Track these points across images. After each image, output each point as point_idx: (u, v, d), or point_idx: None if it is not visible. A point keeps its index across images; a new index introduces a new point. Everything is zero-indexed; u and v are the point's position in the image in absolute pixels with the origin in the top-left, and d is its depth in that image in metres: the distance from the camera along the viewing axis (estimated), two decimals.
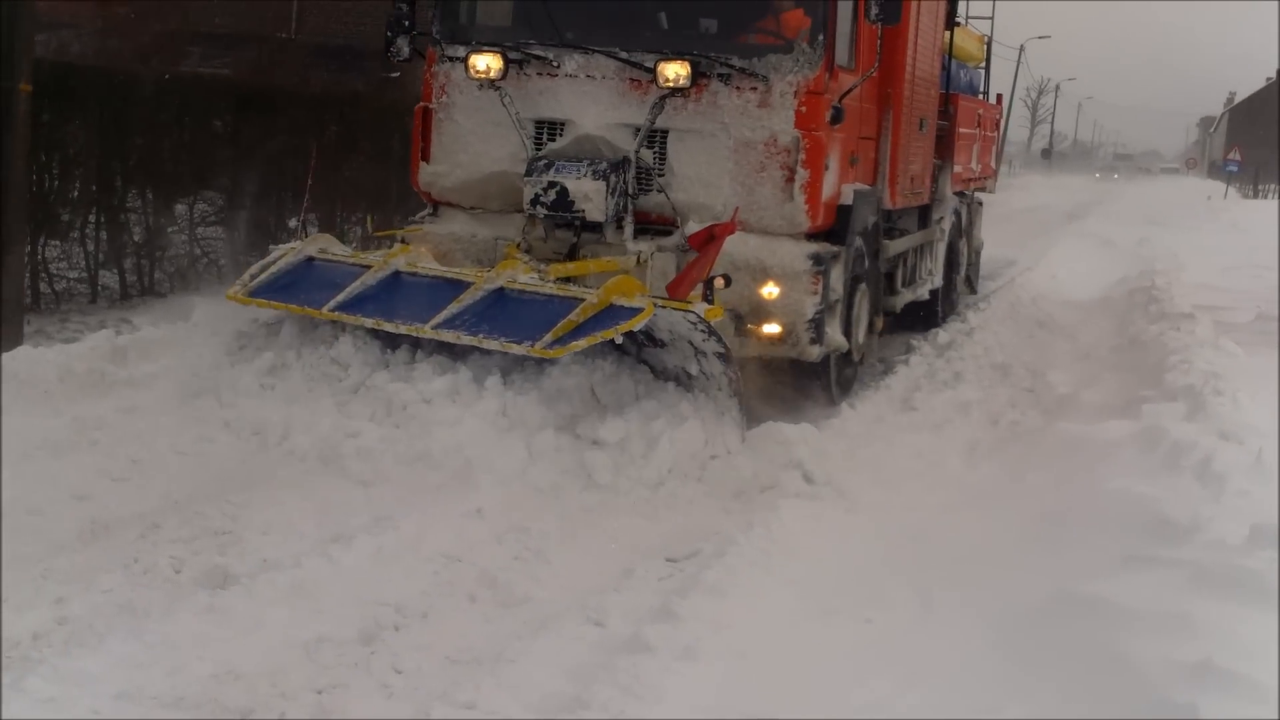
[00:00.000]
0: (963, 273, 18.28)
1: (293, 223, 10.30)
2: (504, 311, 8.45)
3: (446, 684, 5.21)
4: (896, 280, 13.82)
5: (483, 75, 10.18)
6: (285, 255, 9.73)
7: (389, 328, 8.61)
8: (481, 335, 8.19)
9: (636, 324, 7.96)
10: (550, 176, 9.95)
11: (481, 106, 10.52)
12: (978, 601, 5.89)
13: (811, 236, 10.62)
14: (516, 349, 8.00)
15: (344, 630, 5.61)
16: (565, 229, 10.20)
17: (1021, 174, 79.81)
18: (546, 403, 8.19)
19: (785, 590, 6.35)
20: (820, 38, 10.20)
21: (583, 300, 8.19)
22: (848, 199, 11.04)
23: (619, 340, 8.01)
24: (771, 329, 10.15)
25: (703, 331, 8.16)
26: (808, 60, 10.15)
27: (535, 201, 9.99)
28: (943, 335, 14.17)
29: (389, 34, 10.57)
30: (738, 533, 7.00)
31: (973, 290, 19.62)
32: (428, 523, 6.93)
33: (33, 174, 11.08)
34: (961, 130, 16.15)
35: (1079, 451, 8.05)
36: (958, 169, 16.20)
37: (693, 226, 10.17)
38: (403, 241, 10.29)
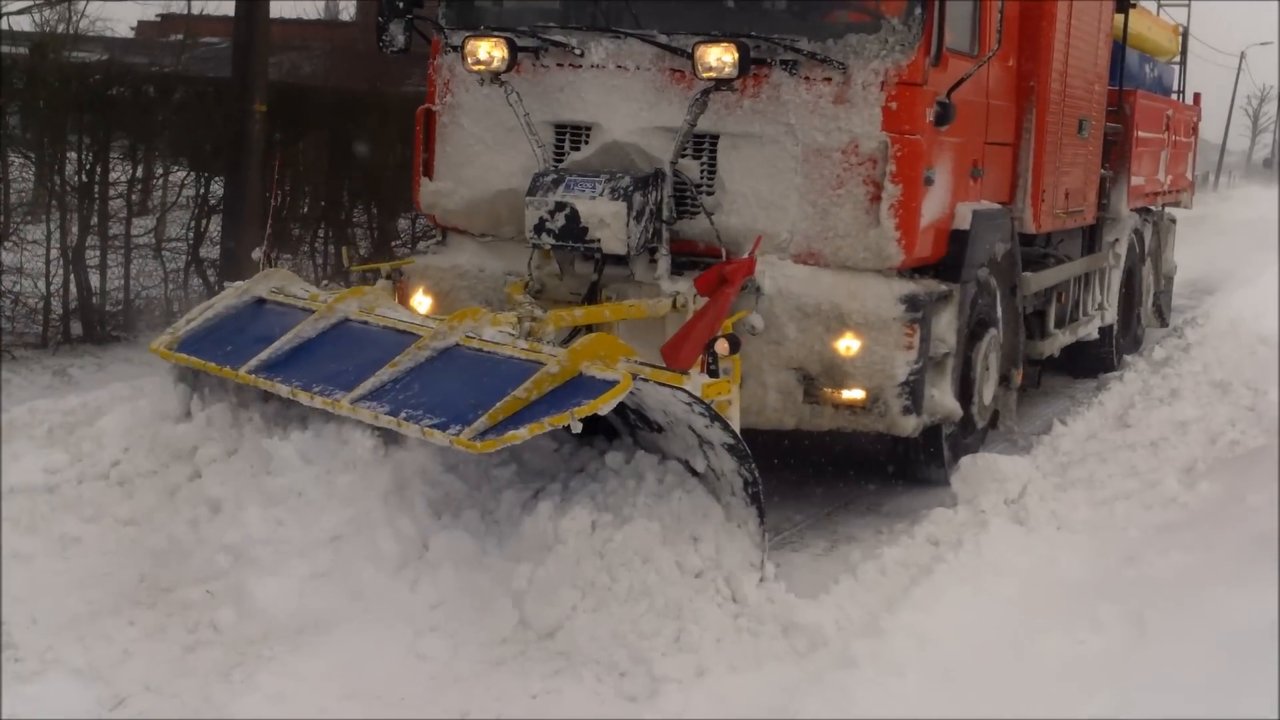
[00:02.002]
0: (1148, 304, 15.36)
1: (255, 254, 8.14)
2: (448, 379, 6.19)
3: None
4: (1048, 319, 11.12)
5: (484, 67, 7.92)
6: (228, 296, 7.63)
7: (304, 399, 6.41)
8: (403, 415, 5.92)
9: (604, 405, 5.59)
10: (558, 196, 7.65)
11: (492, 108, 8.28)
12: (1194, 626, 5.68)
13: (912, 272, 8.11)
14: (438, 437, 5.70)
15: None
16: (587, 262, 7.88)
17: (1241, 185, 76.15)
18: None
19: (994, 608, 6.21)
20: (918, 10, 7.67)
21: (542, 366, 5.85)
22: (964, 222, 8.48)
23: (576, 427, 5.62)
24: (851, 394, 7.70)
25: (703, 415, 5.75)
26: (900, 40, 7.65)
27: (540, 228, 7.70)
28: (1159, 352, 13.84)
29: (380, 18, 8.38)
30: (947, 550, 6.93)
31: (1164, 322, 16.69)
32: None
33: (266, 190, 11.52)
34: (1141, 134, 13.30)
35: None
36: (1136, 181, 13.36)
37: None
38: (388, 277, 8.08)
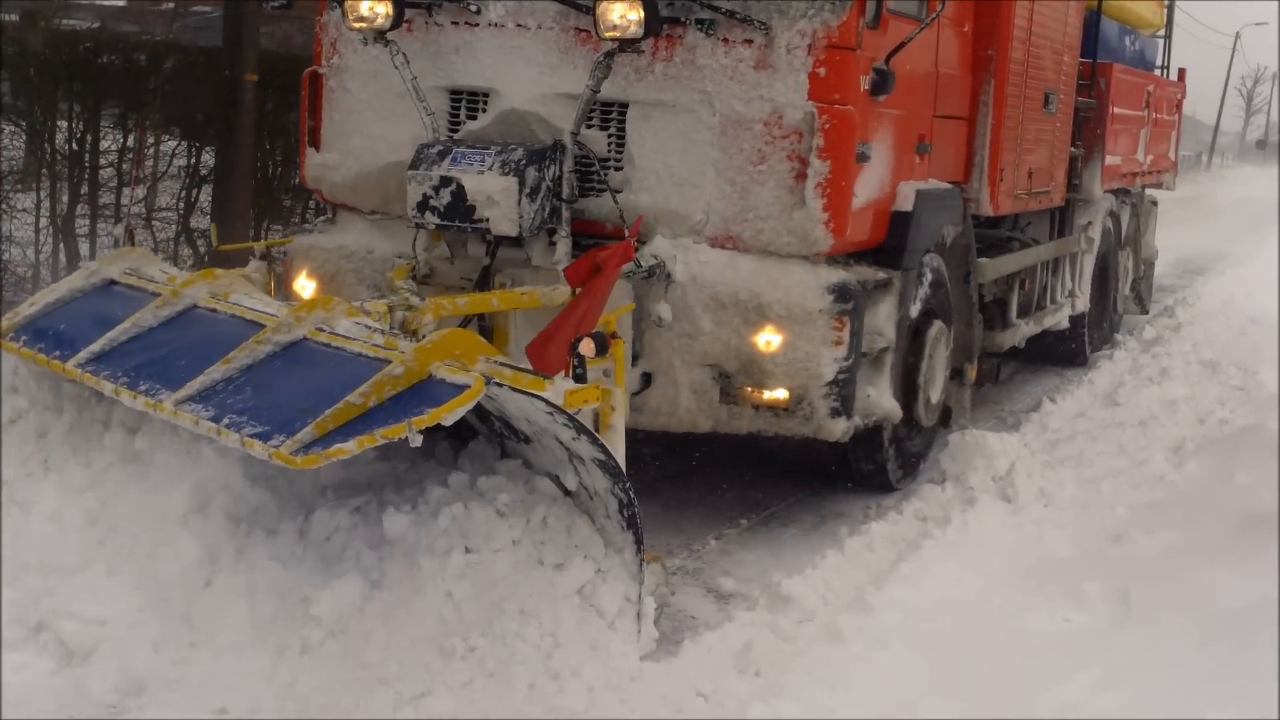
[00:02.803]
0: (1125, 289, 14.53)
1: (117, 229, 7.33)
2: (286, 378, 5.33)
3: None
4: (1010, 308, 10.27)
5: (366, 25, 7.06)
6: (76, 278, 6.78)
7: (126, 399, 5.57)
8: (226, 421, 5.07)
9: (448, 414, 4.75)
10: (443, 170, 6.81)
11: (381, 71, 7.43)
12: (1180, 604, 5.66)
13: (847, 258, 7.29)
14: (258, 449, 4.85)
15: None
16: (479, 244, 7.05)
17: (1235, 165, 77.20)
18: None
19: (980, 584, 6.19)
20: None
21: (387, 365, 5.01)
22: (907, 203, 7.64)
23: (415, 440, 4.77)
24: (773, 395, 6.88)
25: (568, 427, 4.92)
26: None
27: (423, 206, 6.86)
28: (1149, 331, 13.83)
29: None
30: (934, 526, 6.96)
31: (1144, 309, 15.86)
32: None
33: (257, 160, 11.64)
34: (1117, 111, 12.45)
35: None
36: (1112, 160, 12.53)
37: (660, 243, 6.93)
38: (261, 257, 7.23)
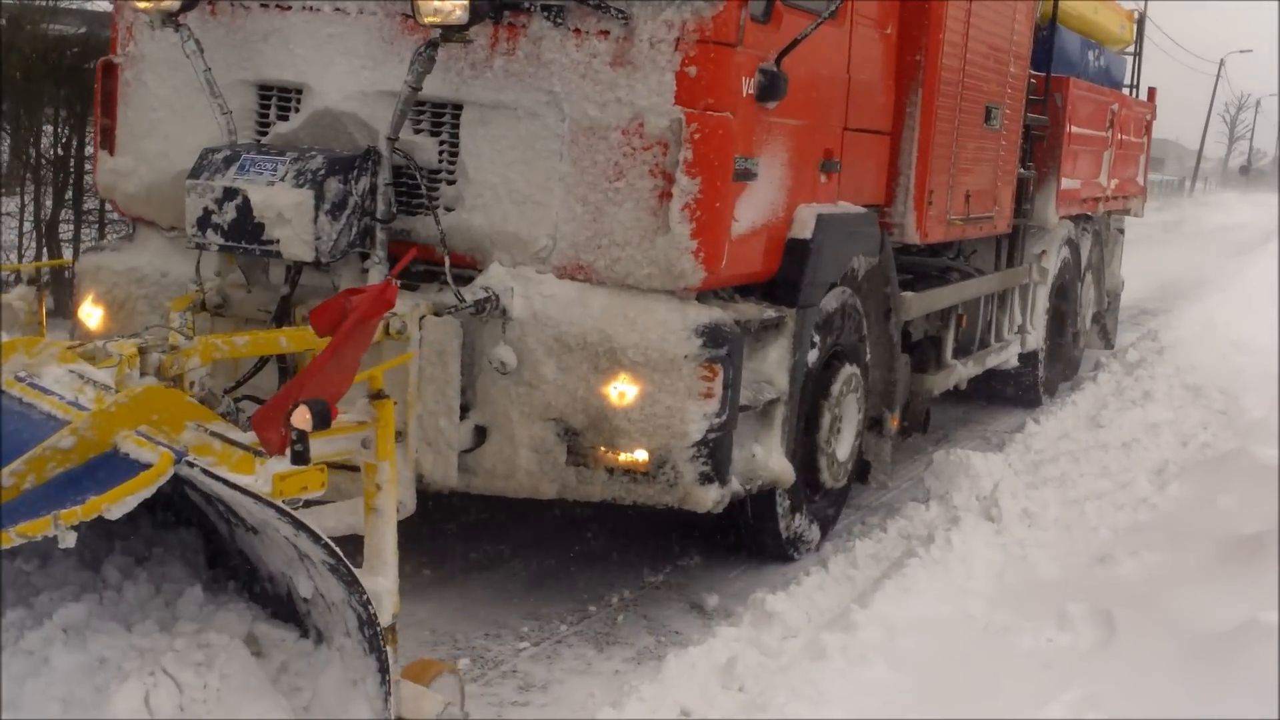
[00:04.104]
0: (1086, 325, 13.38)
1: None
2: None
3: None
4: (945, 347, 9.10)
5: (151, 6, 5.87)
6: None
7: None
8: None
9: (115, 504, 3.52)
10: (227, 180, 5.64)
11: (182, 62, 6.21)
12: (1163, 627, 5.60)
13: (732, 291, 6.17)
14: None
15: None
16: (281, 268, 5.87)
17: (1218, 191, 76.89)
18: None
19: (964, 604, 6.14)
20: None
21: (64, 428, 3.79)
22: (805, 229, 6.48)
23: (65, 540, 3.54)
24: (629, 456, 5.68)
25: (287, 521, 3.70)
26: None
27: (204, 222, 5.68)
28: (1132, 354, 13.74)
29: None
30: (919, 545, 6.95)
31: (1108, 344, 14.74)
32: None
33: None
34: (1075, 130, 11.32)
35: (1273, 476, 7.61)
36: (1069, 184, 11.40)
37: (495, 273, 5.75)
38: (30, 282, 6.00)
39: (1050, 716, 4.93)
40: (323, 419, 3.58)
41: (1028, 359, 11.28)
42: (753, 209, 6.09)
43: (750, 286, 6.44)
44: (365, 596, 3.77)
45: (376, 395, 4.21)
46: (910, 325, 8.46)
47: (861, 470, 7.91)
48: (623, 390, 5.63)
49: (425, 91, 5.77)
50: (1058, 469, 8.86)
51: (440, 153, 5.90)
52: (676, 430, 5.64)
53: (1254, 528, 6.81)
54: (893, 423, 7.90)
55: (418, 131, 5.90)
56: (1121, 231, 15.08)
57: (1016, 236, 10.62)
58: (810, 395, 6.81)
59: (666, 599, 6.39)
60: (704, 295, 5.97)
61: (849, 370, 7.11)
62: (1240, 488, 7.78)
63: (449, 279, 5.63)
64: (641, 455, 5.72)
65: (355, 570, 3.77)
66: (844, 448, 7.20)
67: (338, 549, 3.72)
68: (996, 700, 5.03)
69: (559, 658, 5.68)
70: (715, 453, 5.76)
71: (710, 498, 5.79)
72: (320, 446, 3.94)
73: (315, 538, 3.68)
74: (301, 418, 3.57)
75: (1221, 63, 72.54)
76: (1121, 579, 6.51)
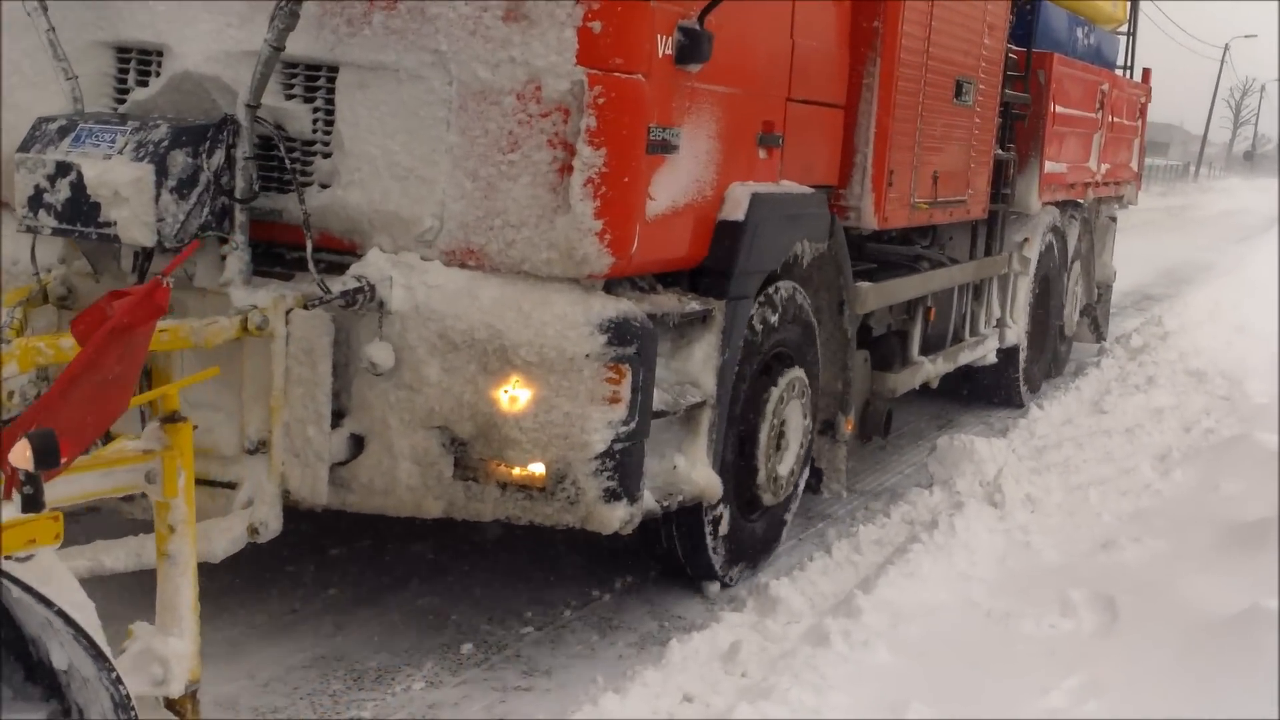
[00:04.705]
0: (1073, 317, 12.64)
1: None
2: None
3: None
4: (911, 342, 8.36)
5: None
6: None
7: None
8: None
9: None
10: (59, 153, 4.90)
11: (31, 22, 5.46)
12: (1166, 612, 5.58)
13: (654, 280, 5.44)
14: None
15: None
16: (129, 255, 5.13)
17: (1222, 176, 76.88)
18: None
19: (967, 589, 6.10)
20: None
21: None
22: (737, 210, 5.74)
23: None
24: (524, 470, 4.96)
25: (16, 584, 2.95)
26: None
27: (36, 202, 4.94)
28: (1136, 339, 13.73)
29: None
30: (922, 530, 6.89)
31: (1099, 337, 14.01)
32: None
33: None
34: (1060, 110, 10.58)
35: (1277, 462, 7.63)
36: (1054, 168, 10.67)
37: (373, 259, 5.02)
38: None
39: (1052, 703, 4.90)
40: (47, 455, 2.82)
41: (1008, 355, 10.55)
42: (674, 186, 5.36)
43: (677, 275, 5.71)
44: (115, 674, 3.03)
45: (169, 418, 3.47)
46: (870, 319, 7.74)
47: (814, 479, 7.20)
48: (514, 395, 4.90)
49: (297, 52, 5.05)
50: (1061, 454, 8.84)
51: (314, 121, 5.18)
52: (576, 440, 4.92)
53: (1257, 514, 6.79)
54: (847, 426, 7.17)
55: (290, 97, 5.18)
56: (1114, 219, 14.34)
57: (995, 223, 9.88)
58: (746, 398, 6.09)
59: (670, 584, 6.29)
60: (616, 284, 5.25)
61: (792, 371, 6.37)
62: (1244, 474, 7.79)
63: (311, 265, 4.90)
64: (538, 469, 5.00)
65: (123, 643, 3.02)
66: (788, 458, 6.48)
67: (70, 615, 2.97)
68: (999, 686, 4.99)
69: (562, 642, 5.63)
70: (623, 466, 5.03)
71: (616, 517, 5.07)
72: (90, 482, 3.22)
73: (45, 602, 2.94)
74: (21, 455, 2.81)
75: (1226, 48, 72.02)
76: (1124, 565, 6.45)
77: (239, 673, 5.09)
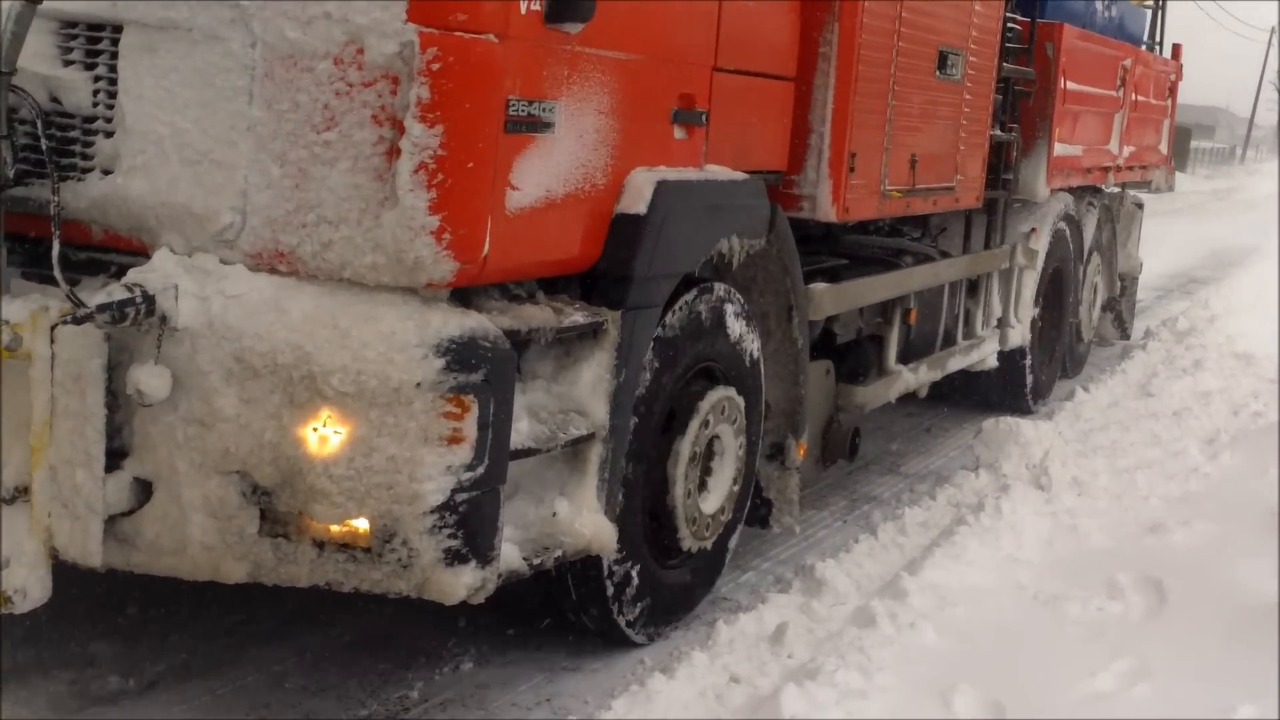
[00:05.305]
0: (1092, 315, 11.52)
1: None
2: None
3: None
4: (887, 349, 7.29)
5: None
6: None
7: None
8: None
9: None
10: None
11: None
12: (1214, 596, 5.56)
13: (542, 285, 4.43)
14: None
15: None
16: None
17: (1269, 159, 75.17)
18: None
19: (1013, 571, 6.02)
20: None
21: None
22: (637, 201, 4.71)
23: None
24: (344, 527, 3.95)
25: None
26: None
27: None
28: (1183, 322, 13.34)
29: None
30: (968, 513, 6.81)
31: (1124, 334, 12.88)
32: None
33: None
34: (1072, 87, 9.45)
35: None
36: (1066, 150, 9.59)
37: (160, 262, 4.02)
38: None
39: (1100, 686, 4.84)
40: None
41: (1012, 358, 9.46)
42: (550, 172, 4.33)
43: (570, 280, 4.69)
44: None
45: None
46: (835, 324, 6.68)
47: (760, 511, 6.17)
48: (325, 434, 3.88)
49: (75, 9, 4.05)
50: (1108, 437, 8.74)
51: (96, 93, 4.18)
52: (404, 491, 3.90)
53: None
54: (798, 451, 6.11)
55: (68, 64, 4.18)
56: (1140, 206, 13.17)
57: (996, 213, 8.79)
58: (660, 426, 5.06)
59: None
60: (479, 293, 4.23)
61: (719, 390, 5.32)
62: None
63: (57, 270, 3.90)
64: (362, 524, 3.98)
65: None
66: (715, 493, 5.44)
67: None
68: (1046, 669, 4.91)
69: None
70: (468, 520, 4.01)
71: (462, 583, 4.04)
72: None
73: None
74: None
75: (1273, 30, 69.95)
76: (1172, 548, 6.36)
77: (289, 651, 5.03)
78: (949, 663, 4.94)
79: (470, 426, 3.95)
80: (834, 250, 7.27)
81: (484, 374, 3.98)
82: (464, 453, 3.95)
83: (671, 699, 4.69)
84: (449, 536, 3.98)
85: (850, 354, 7.09)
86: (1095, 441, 8.60)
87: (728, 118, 5.32)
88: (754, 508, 6.11)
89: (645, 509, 5.09)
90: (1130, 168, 11.65)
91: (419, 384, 3.88)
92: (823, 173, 6.06)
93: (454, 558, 4.01)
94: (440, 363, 3.90)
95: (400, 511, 3.92)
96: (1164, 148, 12.99)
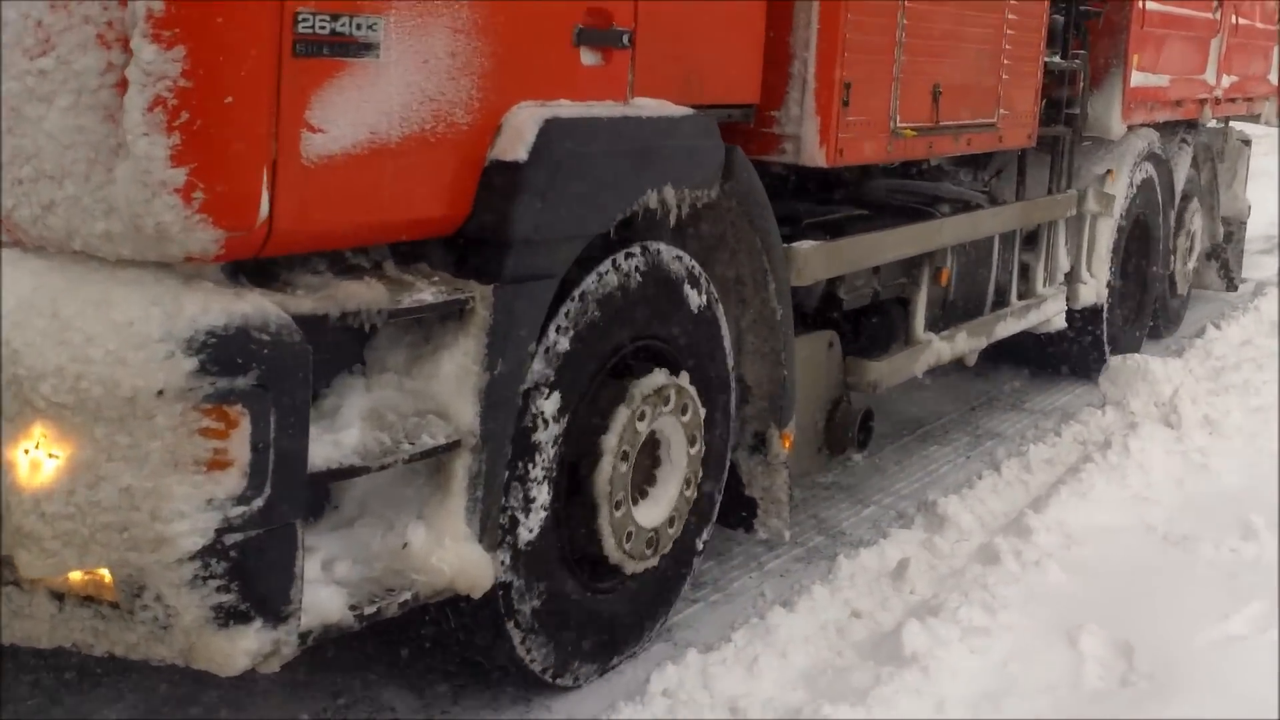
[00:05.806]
0: (1189, 263, 10.17)
1: None
2: None
3: None
4: (914, 316, 6.14)
5: None
6: None
7: None
8: None
9: None
10: None
11: None
12: None
13: (411, 253, 3.42)
14: None
15: None
16: None
17: None
18: None
19: (1142, 510, 5.90)
20: None
21: None
22: (514, 146, 3.65)
23: None
24: (77, 578, 2.96)
25: None
26: None
27: None
28: None
29: None
30: (1094, 450, 6.67)
31: (1230, 285, 11.48)
32: None
33: None
34: (1151, 7, 8.12)
35: None
36: (1146, 80, 8.28)
37: None
38: None
39: (1232, 628, 4.70)
40: None
41: (1087, 318, 8.21)
42: (378, 109, 3.28)
43: (431, 241, 3.66)
44: None
45: None
46: (839, 287, 5.56)
47: (746, 513, 5.10)
48: (37, 459, 2.90)
49: None
50: (1240, 376, 8.37)
51: None
52: (144, 535, 2.91)
53: None
54: (783, 444, 5.00)
55: None
56: (1247, 143, 11.70)
57: (1060, 155, 7.55)
58: (578, 425, 4.01)
59: (835, 499, 6.17)
60: (294, 265, 3.22)
61: (654, 377, 4.24)
62: None
63: None
64: (103, 577, 3.00)
65: None
66: (659, 504, 4.39)
67: None
68: (1178, 611, 4.78)
69: (729, 555, 5.39)
70: (246, 568, 3.01)
71: (242, 650, 3.05)
72: None
73: None
74: None
75: None
76: None
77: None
78: (1076, 602, 4.83)
79: (239, 446, 2.94)
80: (855, 198, 6.14)
81: (258, 376, 2.97)
82: (232, 481, 2.95)
83: (792, 632, 4.59)
84: (219, 590, 2.99)
85: (868, 323, 5.95)
86: (1227, 380, 8.25)
87: (665, 39, 4.23)
88: (734, 509, 5.04)
89: (564, 525, 4.05)
90: (1232, 99, 10.24)
91: (161, 391, 2.87)
92: (808, 108, 4.95)
93: (229, 616, 3.02)
94: (192, 363, 2.90)
95: (142, 560, 2.93)
96: (1274, 77, 11.51)
